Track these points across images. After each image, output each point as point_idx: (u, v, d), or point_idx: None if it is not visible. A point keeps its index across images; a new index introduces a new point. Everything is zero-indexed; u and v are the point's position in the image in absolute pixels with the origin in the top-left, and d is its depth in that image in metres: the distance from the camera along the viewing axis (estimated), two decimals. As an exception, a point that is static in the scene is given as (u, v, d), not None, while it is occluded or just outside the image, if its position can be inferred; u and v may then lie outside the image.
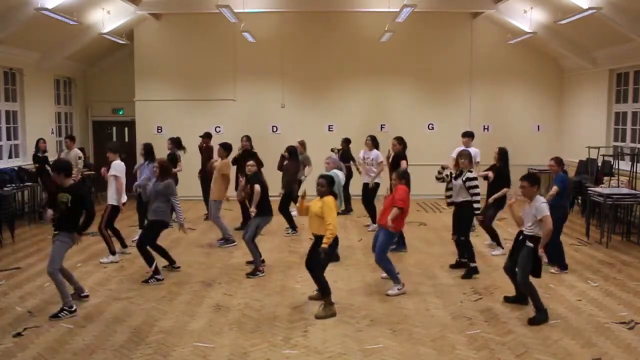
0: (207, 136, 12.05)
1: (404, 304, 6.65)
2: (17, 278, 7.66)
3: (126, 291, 7.11)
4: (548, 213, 6.08)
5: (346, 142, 12.46)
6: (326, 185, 6.37)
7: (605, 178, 11.30)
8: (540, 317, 6.05)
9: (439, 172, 8.16)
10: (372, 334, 5.77)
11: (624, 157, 11.73)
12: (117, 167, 8.46)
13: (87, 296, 6.76)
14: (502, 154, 8.93)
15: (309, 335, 5.73)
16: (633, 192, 9.87)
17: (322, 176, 6.55)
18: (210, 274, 7.87)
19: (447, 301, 6.76)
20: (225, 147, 9.71)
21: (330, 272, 7.64)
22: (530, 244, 6.13)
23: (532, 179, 6.28)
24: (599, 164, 11.94)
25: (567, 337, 5.64)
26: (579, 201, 12.14)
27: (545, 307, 6.15)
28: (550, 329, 5.88)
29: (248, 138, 11.11)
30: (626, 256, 8.88)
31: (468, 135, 10.33)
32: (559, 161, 8.11)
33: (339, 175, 8.63)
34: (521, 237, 6.32)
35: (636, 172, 10.37)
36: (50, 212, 6.38)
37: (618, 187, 10.54)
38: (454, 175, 7.85)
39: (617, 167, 11.24)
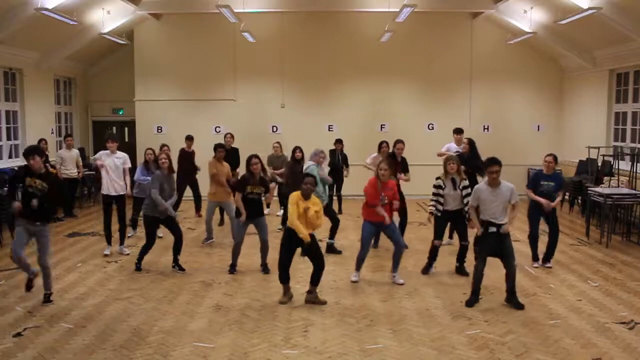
0: (189, 138, 11.61)
1: (404, 304, 6.65)
2: (17, 278, 7.64)
3: (126, 291, 7.11)
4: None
5: (339, 142, 12.37)
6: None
7: (605, 178, 11.31)
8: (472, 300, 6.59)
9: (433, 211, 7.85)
10: (372, 334, 5.76)
11: (624, 157, 11.72)
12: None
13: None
14: (470, 144, 9.14)
15: (309, 335, 5.73)
16: (633, 192, 9.87)
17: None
18: (210, 274, 7.87)
19: (447, 301, 6.76)
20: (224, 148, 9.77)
21: (331, 273, 7.70)
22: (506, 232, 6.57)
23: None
24: (599, 164, 11.94)
25: (567, 337, 5.64)
26: (579, 201, 12.13)
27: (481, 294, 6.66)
28: (550, 329, 5.88)
29: (232, 136, 11.65)
30: (626, 256, 8.88)
31: (461, 132, 10.30)
32: (555, 158, 8.18)
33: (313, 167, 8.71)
34: (494, 229, 6.54)
35: (636, 172, 10.37)
36: (17, 203, 6.39)
37: (618, 187, 10.55)
38: (444, 187, 7.70)
39: (617, 167, 11.24)
